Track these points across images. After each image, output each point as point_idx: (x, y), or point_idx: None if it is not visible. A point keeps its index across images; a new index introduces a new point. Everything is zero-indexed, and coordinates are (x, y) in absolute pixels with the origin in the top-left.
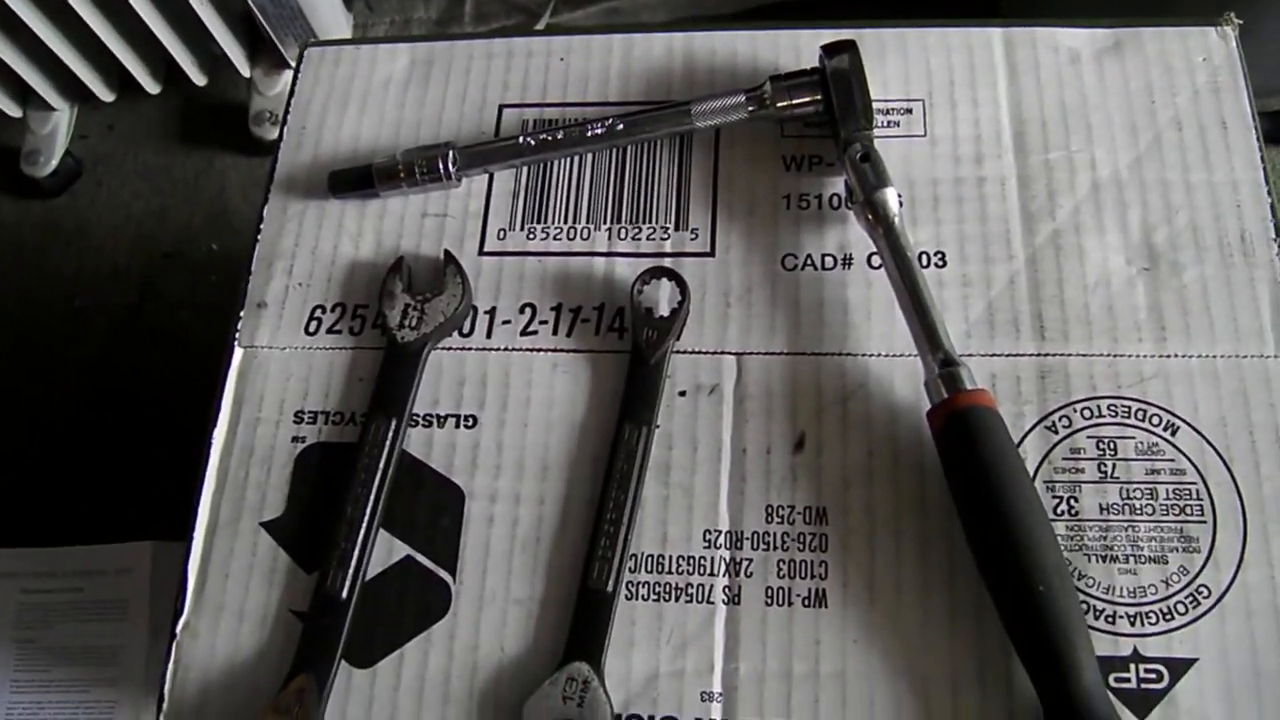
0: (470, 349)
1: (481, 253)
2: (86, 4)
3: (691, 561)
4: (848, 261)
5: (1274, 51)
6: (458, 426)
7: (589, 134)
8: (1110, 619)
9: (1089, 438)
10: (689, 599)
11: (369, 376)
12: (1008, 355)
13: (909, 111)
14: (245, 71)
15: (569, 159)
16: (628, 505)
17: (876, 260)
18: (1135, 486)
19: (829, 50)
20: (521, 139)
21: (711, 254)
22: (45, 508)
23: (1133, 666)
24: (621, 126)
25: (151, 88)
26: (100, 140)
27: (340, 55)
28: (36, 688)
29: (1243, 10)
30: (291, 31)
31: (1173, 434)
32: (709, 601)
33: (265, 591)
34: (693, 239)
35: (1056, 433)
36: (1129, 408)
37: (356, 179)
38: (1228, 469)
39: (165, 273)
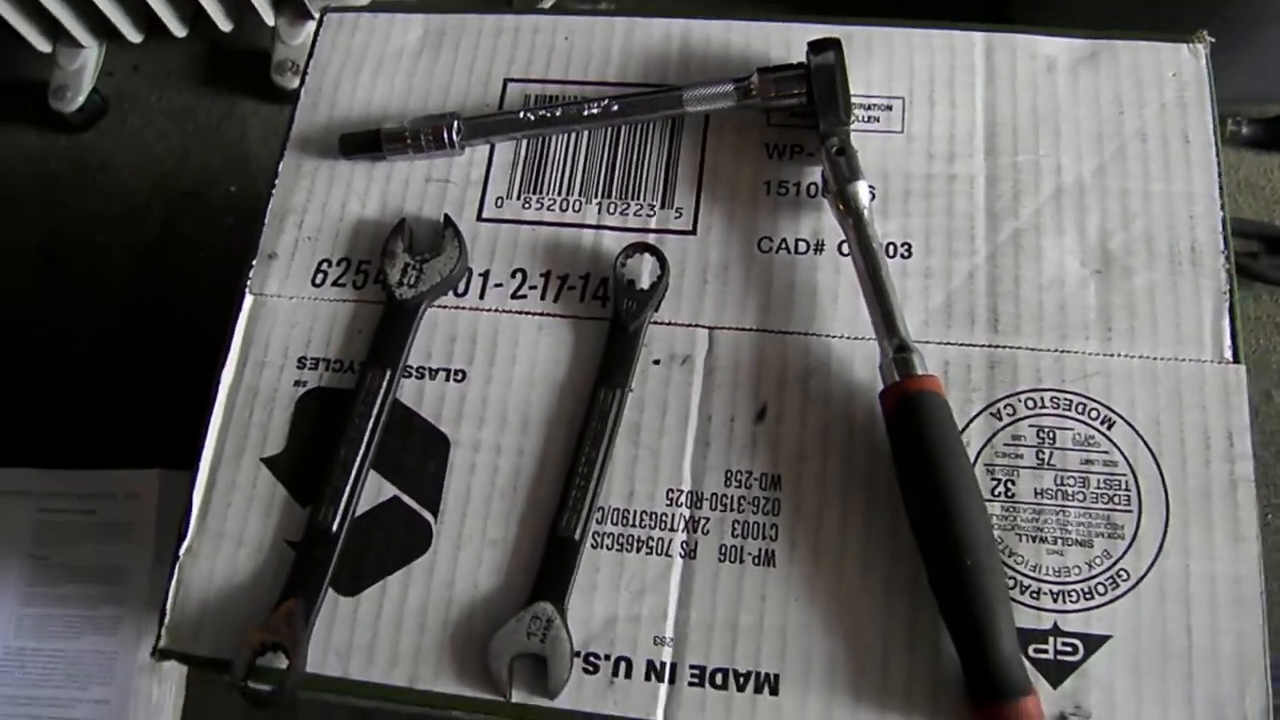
0: (463, 308)
1: (480, 218)
2: None
3: (654, 517)
4: (819, 247)
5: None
6: (448, 380)
7: (585, 113)
8: (1035, 594)
9: (1030, 426)
10: (649, 551)
11: (368, 328)
12: (961, 345)
13: (889, 108)
14: (269, 20)
15: (566, 135)
16: (599, 461)
17: (846, 248)
18: (1069, 474)
19: (815, 47)
20: (522, 113)
21: (693, 232)
22: (62, 433)
23: (1051, 639)
24: (616, 107)
25: (178, 30)
26: (126, 79)
27: (358, 22)
28: (46, 602)
29: (1239, 19)
30: None
31: (1109, 428)
32: (667, 554)
33: (263, 521)
34: (677, 217)
35: (1001, 420)
36: (1070, 401)
37: (366, 142)
38: (1156, 464)
39: (184, 212)
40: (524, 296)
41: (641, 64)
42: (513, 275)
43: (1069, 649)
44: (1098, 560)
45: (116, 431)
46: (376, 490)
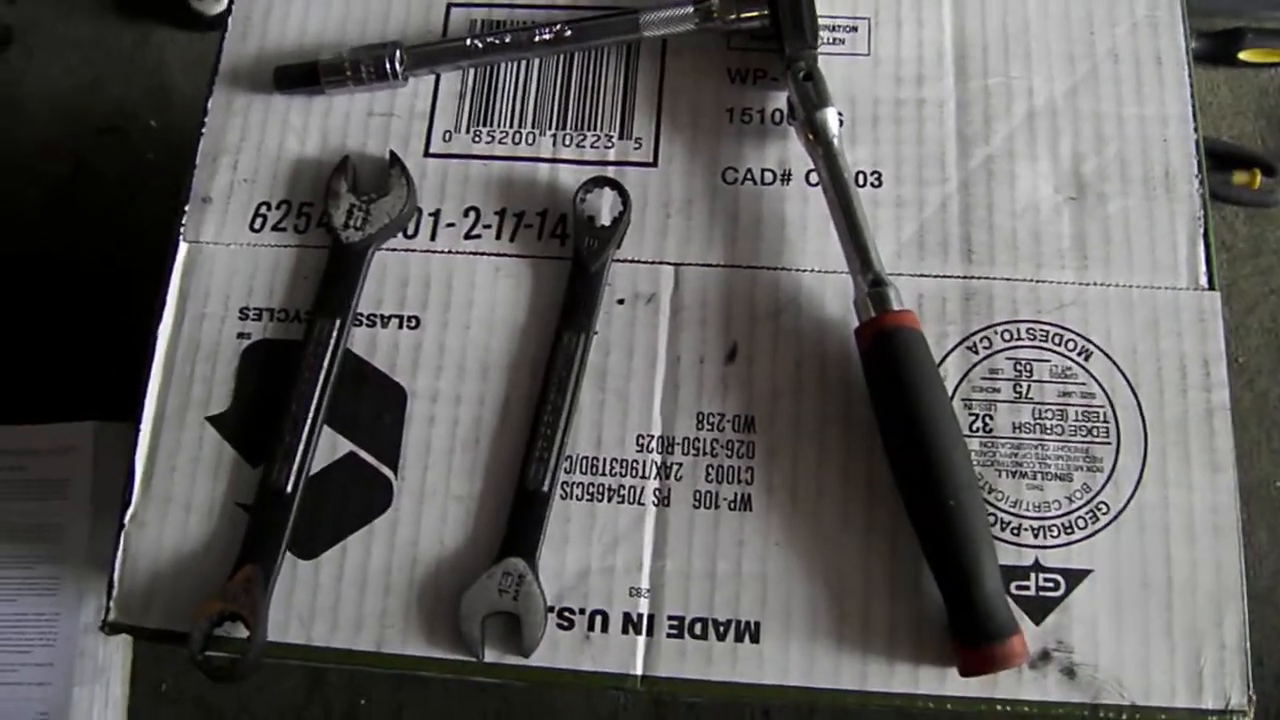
0: (414, 251)
1: (427, 154)
2: None
3: (624, 464)
4: (786, 177)
5: None
6: (401, 327)
7: (536, 38)
8: (1015, 531)
9: (1007, 359)
10: (621, 500)
11: (314, 274)
12: (935, 276)
13: (854, 29)
14: None
15: (516, 63)
16: (565, 409)
17: (814, 177)
18: (1047, 407)
19: None
20: (469, 41)
21: (654, 164)
22: None
23: (1033, 575)
24: (570, 33)
25: None
26: (31, 7)
27: None
28: None
29: None
30: None
31: (1086, 359)
32: (640, 503)
33: (211, 484)
34: (636, 148)
35: (977, 353)
36: (1046, 332)
37: (302, 75)
38: (1134, 395)
39: (101, 148)
40: (478, 236)
41: None
42: (465, 214)
43: (1051, 585)
44: (1077, 494)
45: (44, 383)
46: (331, 447)
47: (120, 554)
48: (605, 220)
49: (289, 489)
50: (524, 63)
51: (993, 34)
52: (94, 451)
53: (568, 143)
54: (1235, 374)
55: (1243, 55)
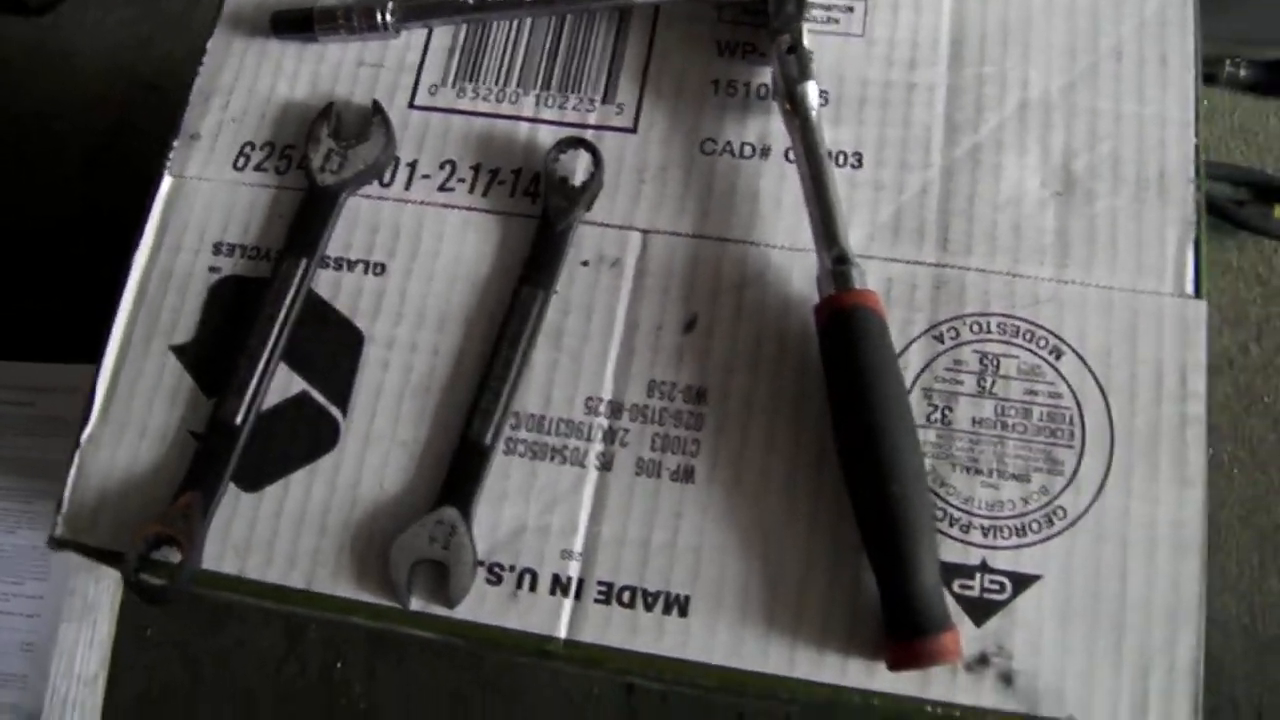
0: (388, 199)
1: (411, 105)
2: None
3: (571, 425)
4: (765, 152)
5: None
6: (366, 273)
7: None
8: (964, 528)
9: (974, 352)
10: (563, 460)
11: (289, 216)
12: (907, 262)
13: (850, 9)
14: None
15: (508, 22)
16: (515, 363)
17: (794, 155)
18: (1011, 404)
19: None
20: None
21: (634, 130)
22: (5, 325)
23: (978, 575)
24: None
25: None
26: None
27: None
28: None
29: None
30: None
31: (1057, 358)
32: (582, 465)
33: (168, 411)
34: (617, 113)
35: (943, 343)
36: (1018, 328)
37: (297, 21)
38: (1104, 398)
39: (144, 105)
40: (451, 189)
41: None
42: (441, 167)
43: (996, 587)
44: (1034, 496)
45: (63, 326)
46: (286, 384)
47: (74, 472)
48: (577, 181)
49: (238, 421)
50: (516, 22)
51: (993, 23)
52: None
53: (550, 104)
54: (1260, 415)
55: None
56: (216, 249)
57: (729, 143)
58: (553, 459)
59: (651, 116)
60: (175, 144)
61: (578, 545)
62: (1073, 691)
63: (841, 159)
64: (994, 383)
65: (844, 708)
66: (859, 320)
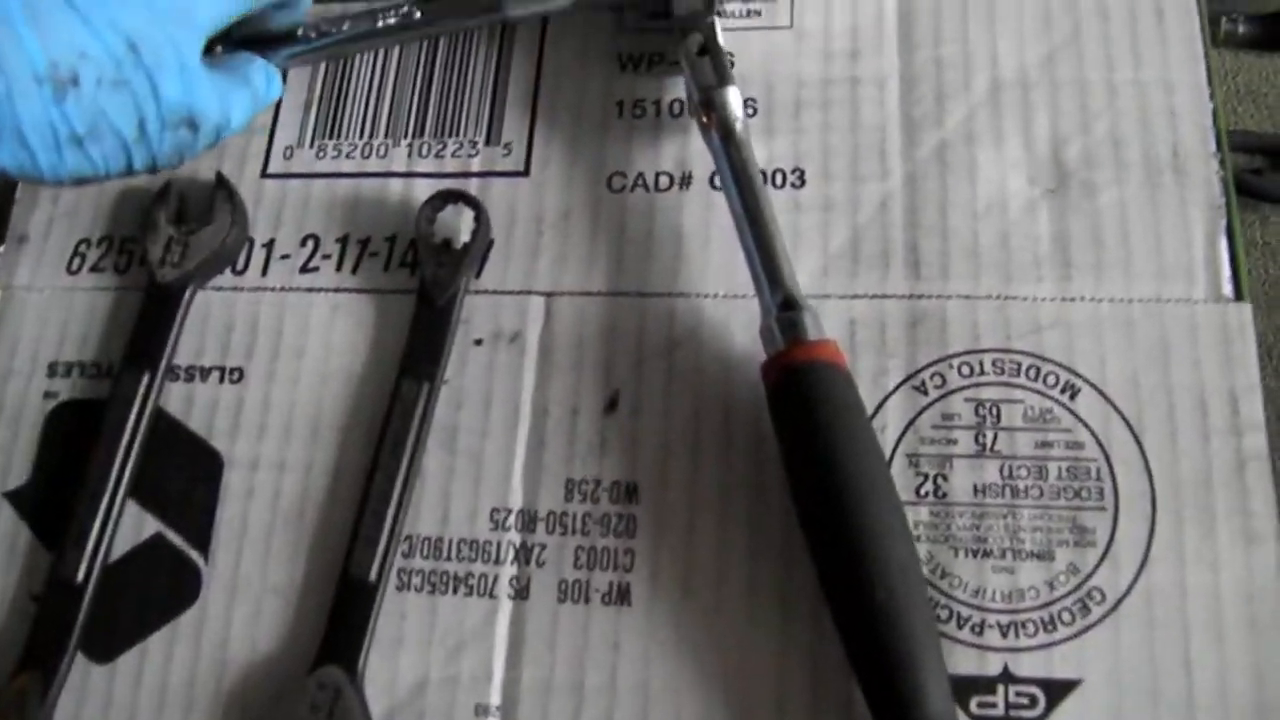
0: (242, 289)
1: (264, 174)
2: None
3: (475, 546)
4: (686, 180)
5: None
6: (221, 381)
7: (380, 24)
8: (977, 629)
9: (966, 401)
10: (469, 591)
11: (131, 321)
12: (872, 296)
13: None
14: None
15: (370, 62)
16: (400, 478)
17: (720, 179)
18: (1020, 463)
19: None
20: (300, 31)
21: (525, 173)
22: None
23: (1001, 688)
24: (419, 15)
25: None
26: None
27: None
28: None
29: None
30: None
31: (1071, 397)
32: (492, 595)
33: (3, 573)
34: (505, 155)
35: (926, 394)
36: (1019, 364)
37: None
38: (1137, 442)
39: None
40: (315, 269)
41: None
42: (303, 243)
43: (1025, 701)
44: (1061, 577)
45: None
46: (136, 526)
47: None
48: (460, 243)
49: (80, 578)
50: (380, 63)
51: None
52: None
53: (425, 153)
54: None
55: None
56: (51, 370)
57: (641, 174)
58: (456, 591)
59: (546, 153)
60: (1, 250)
61: (495, 697)
62: None
63: (780, 178)
64: (996, 438)
65: None
66: (816, 379)
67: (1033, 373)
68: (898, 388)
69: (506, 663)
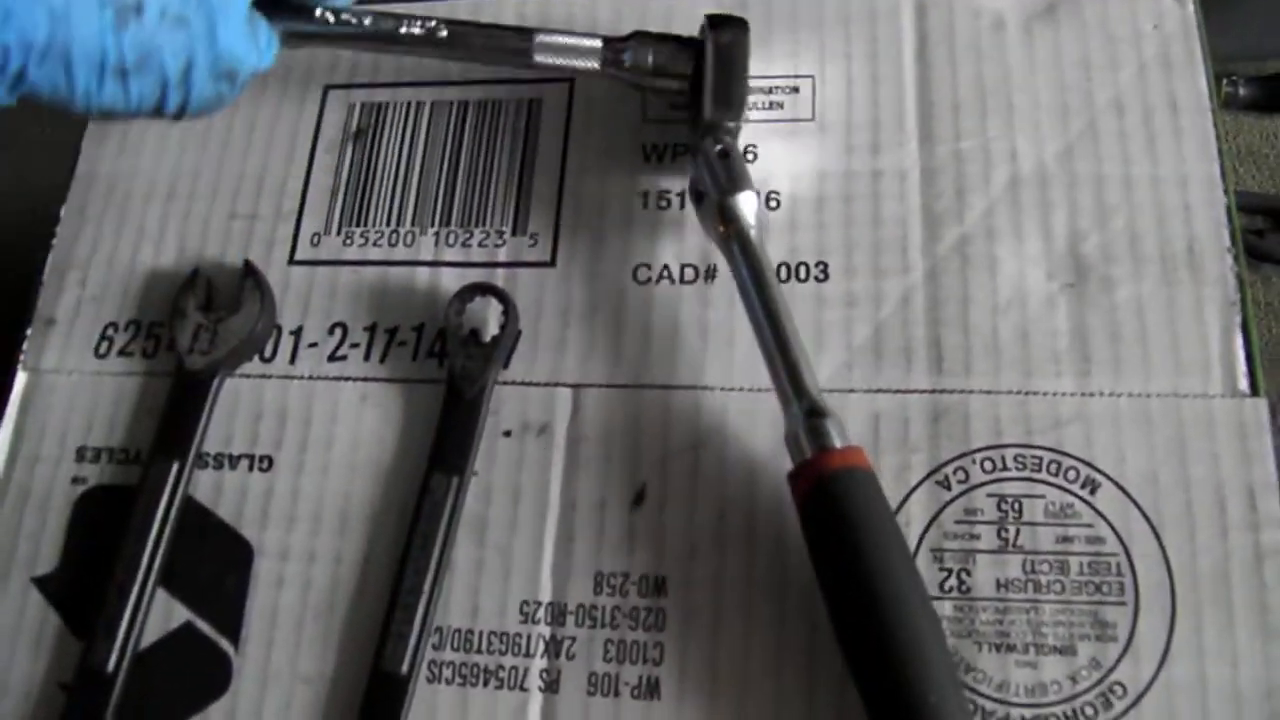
0: (271, 376)
1: (291, 261)
2: None
3: (505, 639)
4: (710, 274)
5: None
6: (251, 469)
7: (403, 30)
8: None
9: (989, 496)
10: (499, 684)
11: (159, 408)
12: (895, 391)
13: (795, 90)
14: None
15: (398, 151)
16: (430, 571)
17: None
18: (1042, 558)
19: (717, 23)
20: (320, 13)
21: (552, 264)
22: None
23: None
24: (445, 32)
25: None
26: None
27: None
28: None
29: None
30: None
31: (1092, 492)
32: (523, 688)
33: (31, 661)
34: (531, 245)
35: (949, 489)
36: (1040, 459)
37: None
38: (1156, 537)
39: None
40: (344, 358)
41: None
42: (330, 331)
43: None
44: (1084, 672)
45: None
46: (166, 615)
47: None
48: (488, 335)
49: (110, 668)
50: (405, 149)
51: (966, 87)
52: None
53: (452, 241)
54: None
55: None
56: (80, 455)
57: (666, 267)
58: (486, 683)
59: (572, 245)
60: (28, 332)
61: None
62: None
63: (804, 271)
64: (1018, 533)
65: None
66: (846, 489)
67: (1054, 468)
68: (921, 483)
69: None
